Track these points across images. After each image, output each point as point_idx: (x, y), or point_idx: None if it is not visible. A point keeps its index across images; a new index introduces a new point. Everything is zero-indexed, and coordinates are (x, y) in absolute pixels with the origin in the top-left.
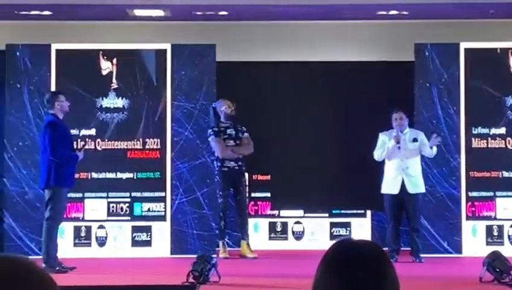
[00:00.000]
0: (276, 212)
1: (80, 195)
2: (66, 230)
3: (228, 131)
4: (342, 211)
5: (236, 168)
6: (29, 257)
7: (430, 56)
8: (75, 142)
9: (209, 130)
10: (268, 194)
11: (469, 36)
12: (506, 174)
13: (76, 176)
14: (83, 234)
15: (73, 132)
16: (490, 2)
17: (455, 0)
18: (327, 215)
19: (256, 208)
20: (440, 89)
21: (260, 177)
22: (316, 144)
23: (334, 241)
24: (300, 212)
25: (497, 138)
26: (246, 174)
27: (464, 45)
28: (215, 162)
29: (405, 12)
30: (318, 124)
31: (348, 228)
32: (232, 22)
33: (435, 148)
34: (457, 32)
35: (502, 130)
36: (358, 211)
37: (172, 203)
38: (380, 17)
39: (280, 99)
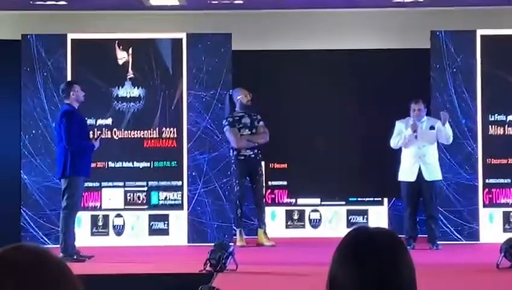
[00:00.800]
0: (293, 200)
1: (97, 184)
2: (83, 219)
3: (243, 120)
4: (359, 199)
5: (253, 156)
6: (46, 246)
7: (446, 43)
8: (91, 132)
9: (224, 121)
10: (285, 183)
11: (486, 23)
12: None
13: (93, 165)
14: (100, 223)
15: (90, 121)
16: None
17: None
18: (344, 203)
19: (273, 196)
20: (456, 76)
21: (277, 166)
22: (332, 132)
23: (350, 229)
24: (317, 201)
25: None
26: (263, 163)
27: (480, 32)
28: (231, 151)
29: (421, 0)
30: (335, 112)
31: (365, 216)
32: (248, 11)
33: (449, 130)
34: (473, 19)
35: None
36: (375, 199)
37: (189, 192)
38: (396, 4)
39: (296, 88)
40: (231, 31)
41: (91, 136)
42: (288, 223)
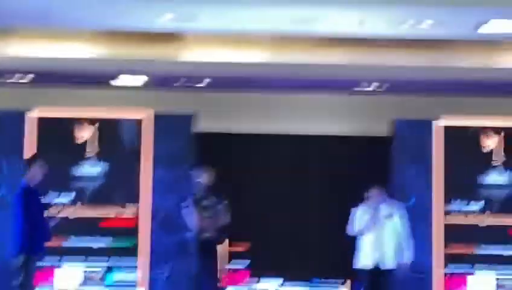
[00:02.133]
0: (255, 280)
1: (53, 263)
2: None
3: (204, 201)
4: (322, 280)
5: (213, 237)
6: None
7: (407, 131)
8: (50, 209)
9: (185, 201)
10: (247, 263)
11: (445, 112)
12: (480, 250)
13: (50, 243)
14: None
15: (50, 198)
16: (467, 80)
17: (433, 77)
18: (307, 283)
19: (235, 276)
20: (416, 164)
21: (239, 246)
22: (295, 213)
23: None
24: (280, 281)
25: (472, 214)
26: (224, 243)
27: (440, 121)
28: (191, 232)
29: (383, 88)
30: (297, 193)
31: None
32: (212, 93)
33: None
34: (434, 108)
35: (477, 206)
36: (338, 281)
37: (147, 272)
38: (359, 92)
39: (259, 169)
40: (195, 112)
41: (49, 213)
42: None
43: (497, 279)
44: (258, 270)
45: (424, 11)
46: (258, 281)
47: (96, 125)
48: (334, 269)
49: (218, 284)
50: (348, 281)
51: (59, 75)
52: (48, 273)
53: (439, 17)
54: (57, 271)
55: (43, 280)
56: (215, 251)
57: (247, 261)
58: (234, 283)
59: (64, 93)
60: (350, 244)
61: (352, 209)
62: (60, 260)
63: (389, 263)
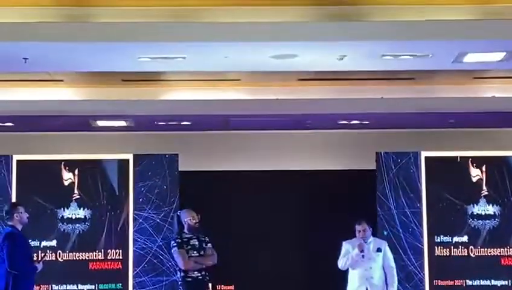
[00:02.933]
0: None
1: None
2: None
3: (191, 242)
4: None
5: (200, 278)
6: None
7: (391, 165)
8: (35, 254)
9: (172, 242)
10: None
11: (429, 145)
12: (469, 282)
13: (37, 288)
14: None
15: (34, 243)
16: (449, 112)
17: (415, 110)
18: None
19: None
20: (401, 197)
21: (224, 288)
22: (280, 253)
23: None
24: None
25: (460, 246)
26: (210, 285)
27: (424, 154)
28: (178, 273)
29: (366, 122)
30: (282, 232)
31: None
32: (195, 132)
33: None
34: (417, 141)
35: (465, 239)
36: None
37: None
38: (342, 126)
39: (243, 208)
40: (178, 152)
41: (35, 258)
42: None
43: None
44: None
45: (404, 45)
46: None
47: (79, 168)
48: None
49: None
50: None
51: (39, 119)
52: None
53: (418, 49)
54: None
55: None
56: None
57: None
58: None
59: (46, 138)
60: (338, 280)
61: (343, 244)
62: None
63: None
